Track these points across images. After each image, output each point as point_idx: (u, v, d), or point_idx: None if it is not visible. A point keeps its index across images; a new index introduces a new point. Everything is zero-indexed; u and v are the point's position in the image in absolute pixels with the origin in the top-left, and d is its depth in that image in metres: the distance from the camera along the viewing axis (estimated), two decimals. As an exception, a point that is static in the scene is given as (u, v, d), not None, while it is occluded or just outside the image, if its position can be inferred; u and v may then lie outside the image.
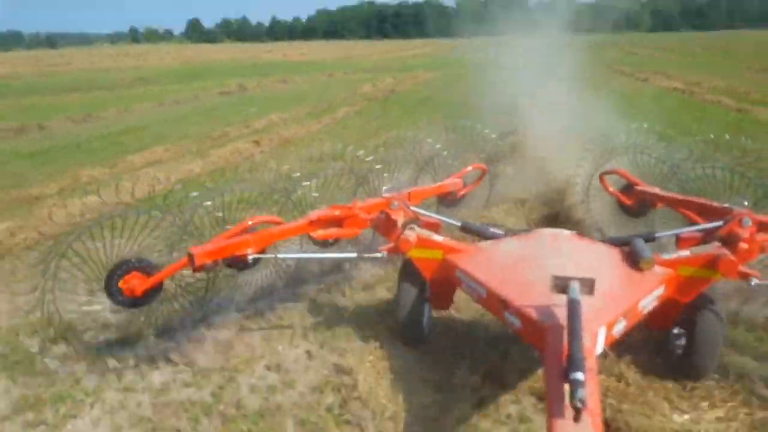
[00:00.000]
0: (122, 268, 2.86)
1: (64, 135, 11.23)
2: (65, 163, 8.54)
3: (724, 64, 21.69)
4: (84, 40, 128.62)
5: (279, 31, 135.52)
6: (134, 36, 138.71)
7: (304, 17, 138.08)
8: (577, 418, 1.56)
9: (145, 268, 2.89)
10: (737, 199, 3.39)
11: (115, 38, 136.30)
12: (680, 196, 3.74)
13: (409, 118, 11.22)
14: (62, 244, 2.90)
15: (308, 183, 3.89)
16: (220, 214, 3.35)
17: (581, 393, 1.57)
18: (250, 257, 2.93)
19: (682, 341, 2.80)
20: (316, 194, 3.86)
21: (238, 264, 3.11)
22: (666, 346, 2.88)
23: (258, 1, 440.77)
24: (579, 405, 1.54)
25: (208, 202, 3.33)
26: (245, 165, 8.09)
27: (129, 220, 3.04)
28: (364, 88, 17.80)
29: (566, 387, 1.68)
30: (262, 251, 3.09)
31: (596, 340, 2.13)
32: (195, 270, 2.84)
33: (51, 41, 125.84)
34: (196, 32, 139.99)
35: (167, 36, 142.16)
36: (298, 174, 3.86)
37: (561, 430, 1.61)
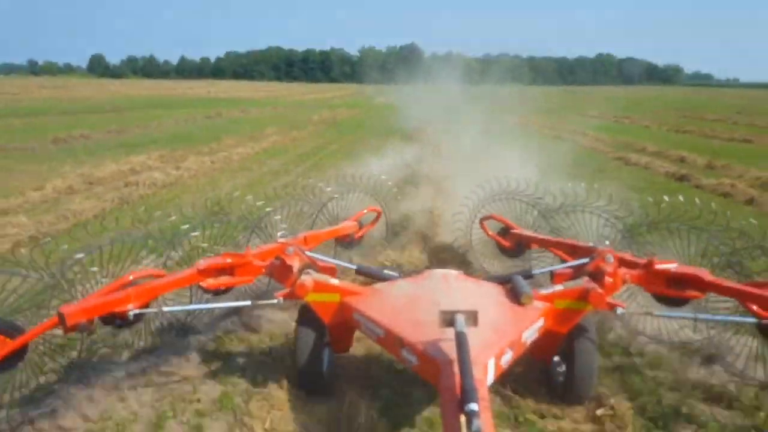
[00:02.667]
0: None
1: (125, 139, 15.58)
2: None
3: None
4: None
5: (187, 70, 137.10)
6: (33, 69, 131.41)
7: (212, 58, 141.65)
8: None
9: (8, 330, 2.58)
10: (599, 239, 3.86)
11: (5, 70, 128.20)
12: (551, 238, 4.14)
13: (354, 132, 18.39)
14: None
15: (197, 233, 3.70)
16: (95, 269, 3.08)
17: (476, 424, 1.59)
18: (131, 313, 2.74)
19: (563, 369, 3.01)
20: (205, 245, 3.71)
21: (117, 321, 2.86)
22: (548, 375, 3.08)
23: (164, 41, 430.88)
24: None
25: (79, 255, 2.99)
26: (277, 148, 14.33)
27: None
28: (314, 117, 23.92)
29: (462, 418, 1.71)
30: (146, 306, 2.85)
31: (487, 371, 2.20)
32: (66, 330, 2.58)
33: None
34: (100, 67, 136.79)
35: (67, 70, 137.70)
36: (187, 226, 3.66)
37: None
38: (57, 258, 3.02)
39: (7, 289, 2.66)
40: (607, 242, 3.74)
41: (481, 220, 4.64)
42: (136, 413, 2.79)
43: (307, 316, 3.00)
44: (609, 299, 2.83)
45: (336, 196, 4.69)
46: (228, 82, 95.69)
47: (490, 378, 2.24)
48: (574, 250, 3.58)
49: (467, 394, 1.73)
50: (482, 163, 7.40)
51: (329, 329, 3.02)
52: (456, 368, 1.97)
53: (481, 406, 1.70)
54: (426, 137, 14.86)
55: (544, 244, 4.05)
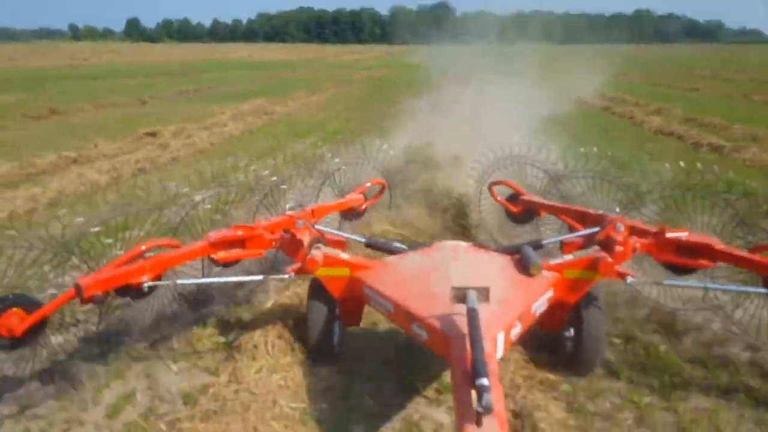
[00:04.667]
0: None
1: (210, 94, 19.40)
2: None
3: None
4: (7, 34, 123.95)
5: (220, 32, 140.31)
6: (74, 34, 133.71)
7: (243, 19, 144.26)
8: (479, 422, 1.61)
9: (26, 305, 2.57)
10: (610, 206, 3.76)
11: (41, 34, 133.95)
12: (561, 205, 4.00)
13: (390, 88, 20.92)
14: None
15: (201, 198, 3.69)
16: (110, 241, 3.13)
17: (488, 398, 1.61)
18: (146, 285, 2.76)
19: (571, 339, 2.97)
20: (218, 217, 3.71)
21: (132, 293, 2.87)
22: (557, 345, 3.04)
23: (197, 3, 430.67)
24: (487, 409, 1.59)
25: (96, 228, 3.12)
26: (338, 98, 18.22)
27: (5, 251, 2.74)
28: (354, 76, 27.23)
29: (473, 392, 1.73)
30: (159, 278, 2.87)
31: (496, 345, 2.21)
32: (84, 302, 2.62)
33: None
34: (136, 31, 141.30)
35: (107, 34, 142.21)
36: (187, 189, 3.80)
37: None
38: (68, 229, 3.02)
39: (24, 263, 2.64)
40: (617, 209, 3.68)
41: (490, 185, 4.54)
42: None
43: (317, 291, 2.99)
44: (618, 268, 2.79)
45: (343, 167, 4.64)
46: (261, 44, 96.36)
47: (500, 352, 2.26)
48: (584, 218, 3.52)
49: (478, 368, 1.76)
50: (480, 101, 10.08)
51: (339, 303, 3.01)
52: (467, 343, 2.00)
53: (492, 381, 1.74)
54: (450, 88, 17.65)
55: (554, 211, 3.97)
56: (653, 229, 3.09)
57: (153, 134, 10.06)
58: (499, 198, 4.51)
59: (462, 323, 2.17)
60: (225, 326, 3.42)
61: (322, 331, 2.96)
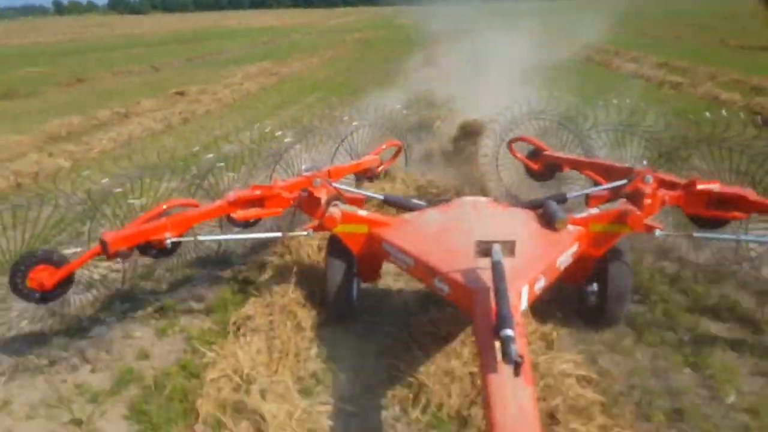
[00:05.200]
0: (27, 260, 2.55)
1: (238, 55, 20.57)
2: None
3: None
4: None
5: (205, 2, 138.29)
6: (58, 9, 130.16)
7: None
8: (516, 372, 1.60)
9: (53, 259, 2.60)
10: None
11: (20, 12, 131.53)
12: (585, 159, 3.80)
13: (384, 45, 21.92)
14: None
15: (222, 164, 3.64)
16: (133, 201, 3.10)
17: (514, 348, 1.59)
18: (169, 241, 2.74)
19: (595, 293, 2.85)
20: (232, 174, 3.65)
21: (154, 251, 2.88)
22: (580, 298, 2.93)
23: None
24: (517, 360, 1.57)
25: (117, 189, 3.07)
26: (337, 57, 19.00)
27: (32, 209, 2.75)
28: (347, 38, 26.76)
29: (497, 344, 1.71)
30: (181, 235, 2.83)
31: (520, 298, 2.16)
32: (109, 257, 2.62)
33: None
34: (120, 4, 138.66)
35: (90, 8, 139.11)
36: (211, 155, 3.82)
37: (496, 384, 1.65)
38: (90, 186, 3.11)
39: (50, 219, 2.70)
40: (645, 162, 3.47)
41: (509, 143, 4.32)
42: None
43: (336, 247, 2.91)
44: (647, 221, 2.69)
45: (356, 127, 4.54)
46: (248, 11, 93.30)
47: (524, 304, 2.21)
48: (611, 172, 3.34)
49: (503, 320, 1.73)
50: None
51: (358, 260, 2.95)
52: (491, 296, 1.95)
53: (517, 332, 1.71)
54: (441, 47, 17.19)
55: (578, 166, 3.77)
56: (683, 181, 2.94)
57: (182, 93, 11.18)
58: (519, 155, 4.29)
59: (486, 277, 2.11)
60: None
61: (341, 288, 2.89)
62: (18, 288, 2.56)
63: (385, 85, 10.59)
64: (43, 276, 2.56)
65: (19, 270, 2.54)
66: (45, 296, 2.61)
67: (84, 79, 14.96)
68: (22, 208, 2.71)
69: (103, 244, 2.57)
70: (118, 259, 2.80)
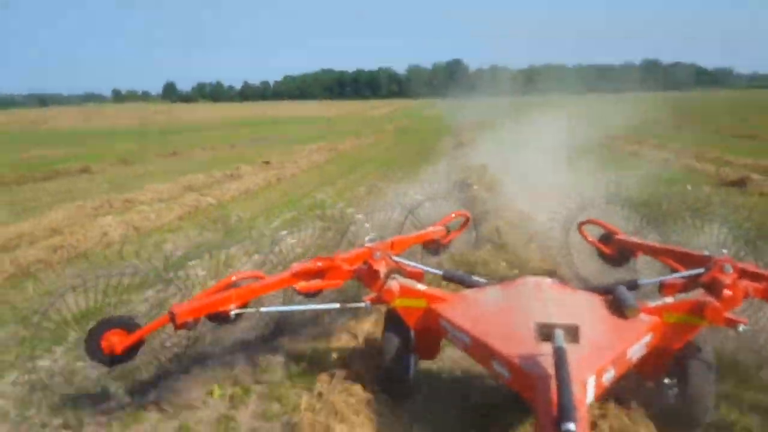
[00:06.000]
0: (103, 325, 2.62)
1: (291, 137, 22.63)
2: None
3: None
4: (54, 100, 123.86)
5: (249, 94, 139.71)
6: (117, 97, 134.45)
7: (270, 81, 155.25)
8: None
9: (126, 325, 2.66)
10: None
11: (83, 99, 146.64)
12: (660, 245, 3.50)
13: (415, 135, 22.86)
14: (43, 306, 2.71)
15: (285, 233, 3.70)
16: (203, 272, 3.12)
17: None
18: (233, 312, 2.73)
19: (674, 391, 2.50)
20: (299, 250, 3.63)
21: (219, 319, 2.88)
22: (658, 396, 2.59)
23: (228, 67, 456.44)
24: None
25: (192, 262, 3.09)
26: (378, 141, 20.78)
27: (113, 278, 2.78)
28: (385, 126, 28.73)
29: None
30: (245, 305, 2.82)
31: (586, 389, 1.95)
32: (177, 328, 2.65)
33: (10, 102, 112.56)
34: (173, 94, 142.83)
35: (145, 97, 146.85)
36: (284, 232, 3.89)
37: None
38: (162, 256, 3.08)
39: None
40: (725, 251, 3.13)
41: (580, 225, 4.07)
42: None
43: (393, 321, 2.78)
44: (728, 314, 2.39)
45: (422, 200, 4.49)
46: (288, 102, 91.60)
47: (590, 396, 1.99)
48: (687, 259, 3.08)
49: (565, 412, 1.59)
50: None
51: (415, 335, 2.78)
52: (553, 384, 1.80)
53: (580, 426, 1.57)
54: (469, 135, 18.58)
55: (652, 252, 3.49)
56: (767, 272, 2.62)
57: (268, 162, 13.12)
58: (590, 238, 4.04)
59: (548, 363, 1.93)
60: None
61: (396, 362, 2.73)
62: (92, 350, 2.61)
63: (424, 162, 12.36)
64: (114, 341, 2.61)
65: (95, 333, 2.60)
66: (114, 360, 2.66)
67: (177, 153, 18.08)
68: (101, 276, 2.77)
69: (171, 315, 2.58)
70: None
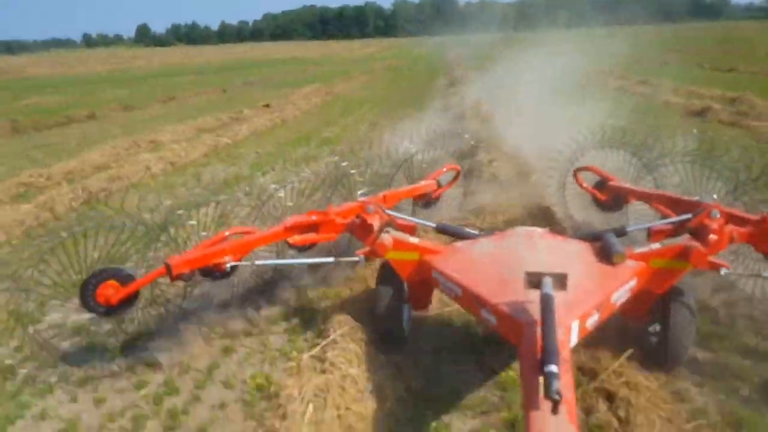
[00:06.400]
0: (97, 277, 2.61)
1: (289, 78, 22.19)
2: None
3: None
4: (21, 46, 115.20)
5: (227, 34, 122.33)
6: (88, 42, 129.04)
7: (249, 21, 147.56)
8: (554, 410, 1.47)
9: (121, 277, 2.64)
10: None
11: (52, 44, 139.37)
12: (652, 191, 3.45)
13: (409, 72, 23.05)
14: (35, 256, 2.69)
15: (277, 188, 3.64)
16: (194, 222, 3.06)
17: (556, 385, 1.48)
18: (228, 265, 2.72)
19: (656, 332, 2.53)
20: (290, 204, 3.57)
21: (213, 273, 2.86)
22: (641, 337, 2.61)
23: (204, 6, 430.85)
24: (556, 397, 1.45)
25: (180, 211, 3.08)
26: (372, 80, 20.25)
27: (103, 228, 2.74)
28: (374, 65, 27.21)
29: (541, 380, 1.57)
30: (240, 259, 2.80)
31: (570, 334, 1.98)
32: (172, 279, 2.64)
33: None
34: (146, 36, 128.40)
35: (117, 41, 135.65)
36: (275, 186, 3.79)
37: (537, 422, 1.53)
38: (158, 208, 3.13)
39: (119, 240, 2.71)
40: (715, 196, 3.11)
41: (576, 171, 4.04)
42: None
43: (387, 274, 2.77)
44: (712, 258, 2.42)
45: (415, 153, 4.39)
46: (270, 43, 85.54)
47: (574, 340, 2.01)
48: (678, 205, 3.06)
49: (548, 355, 1.61)
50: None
51: (408, 287, 2.78)
52: (538, 329, 1.81)
53: (562, 369, 1.60)
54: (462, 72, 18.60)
55: (645, 198, 3.48)
56: (754, 216, 2.62)
57: (268, 105, 13.07)
58: (585, 185, 3.98)
59: (534, 309, 1.96)
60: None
61: (390, 314, 2.73)
62: (87, 301, 2.60)
63: (418, 99, 12.31)
64: (109, 292, 2.60)
65: (89, 284, 2.58)
66: (109, 311, 2.66)
67: (174, 97, 17.27)
68: (94, 229, 2.74)
69: (167, 267, 2.56)
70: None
